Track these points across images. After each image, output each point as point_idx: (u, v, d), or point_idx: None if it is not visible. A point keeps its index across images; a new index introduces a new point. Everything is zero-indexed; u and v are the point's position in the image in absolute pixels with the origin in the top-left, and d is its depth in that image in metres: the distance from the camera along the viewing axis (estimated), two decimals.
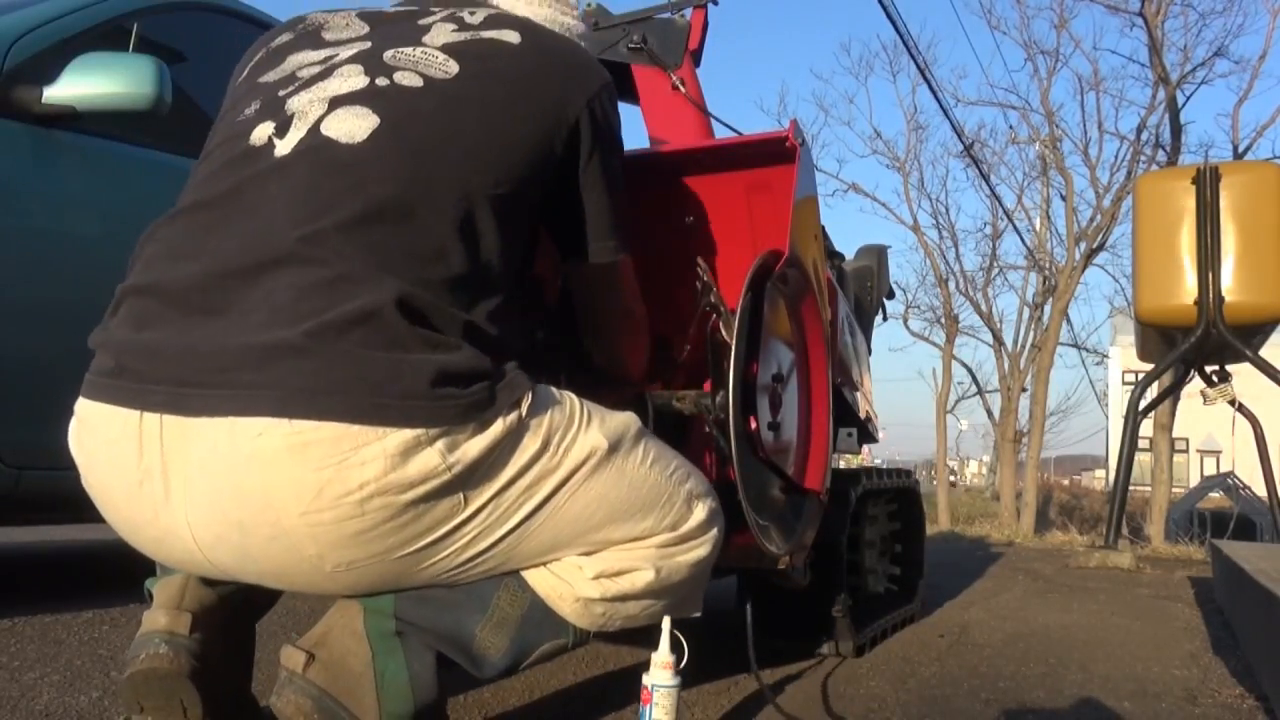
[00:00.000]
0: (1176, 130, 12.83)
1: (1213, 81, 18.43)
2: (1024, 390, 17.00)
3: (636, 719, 1.35)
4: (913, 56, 12.13)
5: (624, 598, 1.21)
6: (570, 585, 1.18)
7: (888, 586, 2.62)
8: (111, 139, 2.31)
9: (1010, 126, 20.74)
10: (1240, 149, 13.02)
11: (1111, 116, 32.01)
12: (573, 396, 1.20)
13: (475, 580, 1.15)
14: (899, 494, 2.63)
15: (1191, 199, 4.41)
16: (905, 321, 18.51)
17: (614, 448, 1.19)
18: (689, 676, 1.36)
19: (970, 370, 19.38)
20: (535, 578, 1.19)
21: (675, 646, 1.33)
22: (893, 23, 9.81)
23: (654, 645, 1.33)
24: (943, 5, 48.04)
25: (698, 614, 1.35)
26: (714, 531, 1.31)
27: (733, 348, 1.43)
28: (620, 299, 1.45)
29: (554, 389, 1.19)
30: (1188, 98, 13.41)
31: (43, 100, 2.13)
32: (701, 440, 1.70)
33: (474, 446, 1.05)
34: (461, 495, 1.07)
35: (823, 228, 1.97)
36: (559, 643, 1.21)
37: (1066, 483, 34.76)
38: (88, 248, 2.19)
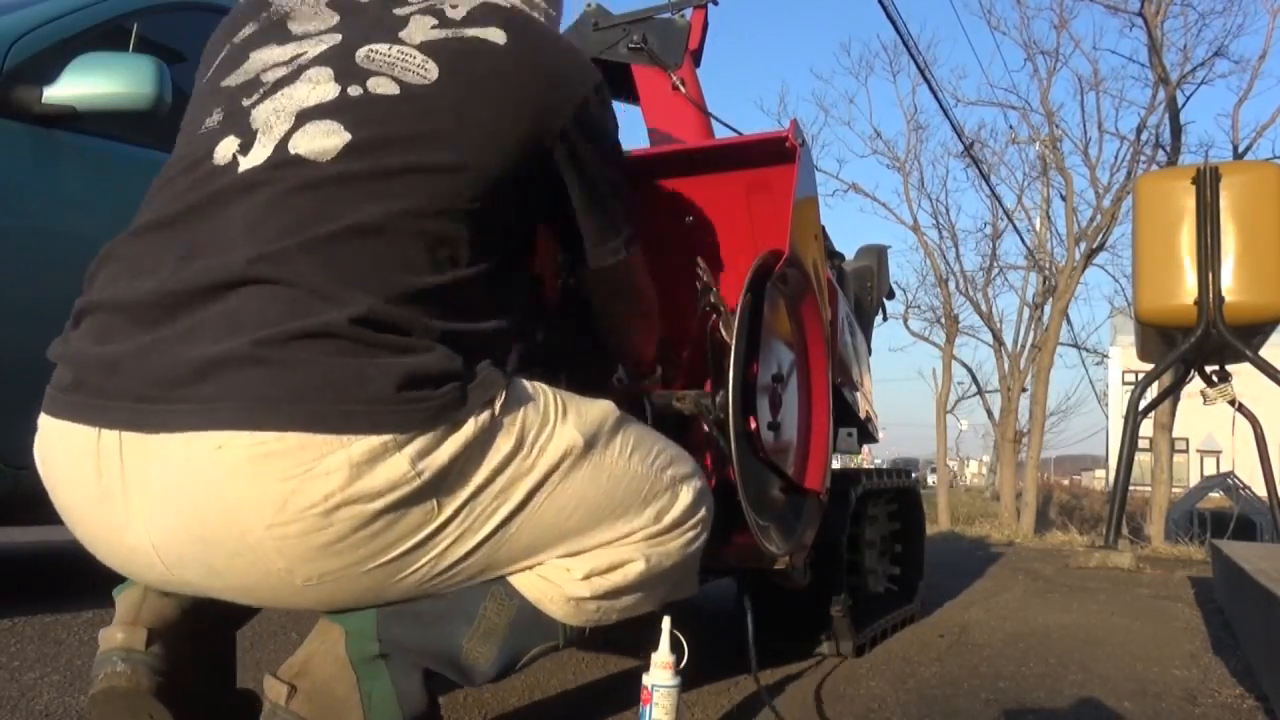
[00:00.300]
0: (1176, 130, 12.84)
1: (1213, 81, 18.47)
2: (1024, 390, 17.00)
3: (636, 719, 1.35)
4: (913, 56, 12.15)
5: (616, 592, 1.19)
6: (559, 586, 1.16)
7: (888, 586, 2.62)
8: (111, 139, 2.31)
9: (1010, 126, 20.81)
10: (1240, 149, 13.02)
11: (1111, 116, 32.06)
12: (547, 390, 1.17)
13: (458, 589, 1.12)
14: (899, 494, 2.63)
15: (1191, 199, 4.41)
16: (905, 321, 18.51)
17: (591, 443, 1.16)
18: (689, 677, 1.36)
19: (970, 370, 19.40)
20: (522, 582, 1.16)
21: (675, 646, 1.33)
22: (893, 23, 9.81)
23: (654, 645, 1.33)
24: (943, 5, 48.04)
25: (694, 593, 1.34)
26: (702, 512, 1.28)
27: (733, 348, 1.43)
28: (630, 299, 1.43)
29: (528, 383, 1.16)
30: (1188, 98, 13.44)
31: (43, 100, 2.13)
32: (702, 440, 1.70)
33: (445, 451, 1.02)
34: (434, 501, 1.03)
35: (823, 228, 1.97)
36: (550, 644, 1.19)
37: (1066, 483, 34.74)
38: (88, 248, 2.17)
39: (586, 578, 1.17)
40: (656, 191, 1.77)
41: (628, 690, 1.65)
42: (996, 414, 18.05)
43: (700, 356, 1.64)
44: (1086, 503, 24.68)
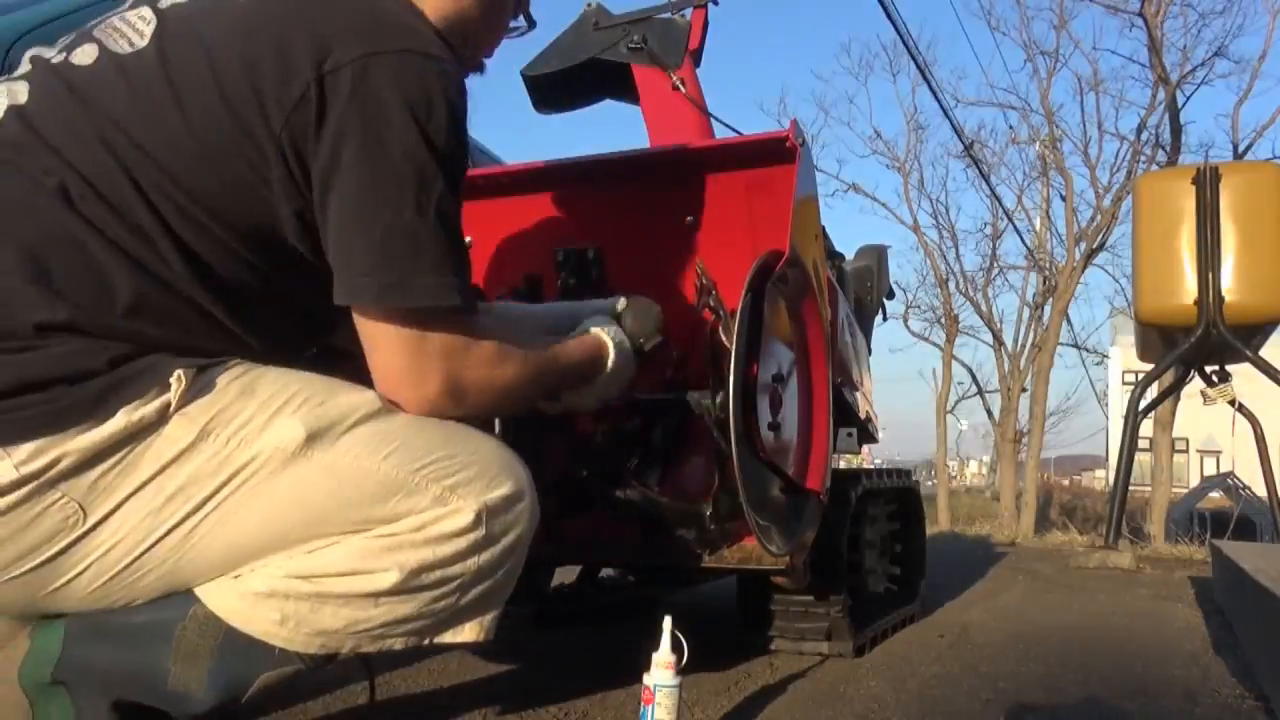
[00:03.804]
0: (1176, 130, 12.85)
1: (1213, 81, 18.39)
2: (1024, 390, 17.01)
3: (637, 719, 1.35)
4: (913, 57, 12.11)
5: (355, 607, 1.05)
6: (263, 601, 1.03)
7: (888, 586, 2.62)
8: None
9: (1010, 127, 20.72)
10: (1240, 149, 13.05)
11: (1111, 116, 31.87)
12: (271, 375, 1.05)
13: (149, 600, 1.03)
14: (899, 494, 2.63)
15: (1191, 199, 4.41)
16: (905, 321, 18.54)
17: (316, 437, 1.02)
18: (689, 677, 1.36)
19: (970, 370, 19.40)
20: (216, 597, 1.03)
21: (676, 646, 1.33)
22: (893, 23, 9.79)
23: (655, 645, 1.33)
24: (943, 6, 48.03)
25: (479, 640, 1.16)
26: (480, 532, 1.09)
27: (733, 350, 1.43)
28: (385, 366, 1.09)
29: (239, 369, 1.04)
30: (1188, 98, 13.45)
31: None
32: (702, 440, 1.70)
33: (73, 450, 0.95)
34: (72, 503, 0.96)
35: (823, 228, 1.97)
36: (286, 670, 1.05)
37: (1066, 483, 34.73)
38: None
39: (308, 583, 1.03)
40: (657, 191, 1.77)
41: (628, 690, 1.65)
42: (996, 414, 18.07)
43: (702, 357, 1.63)
44: (1087, 503, 24.68)
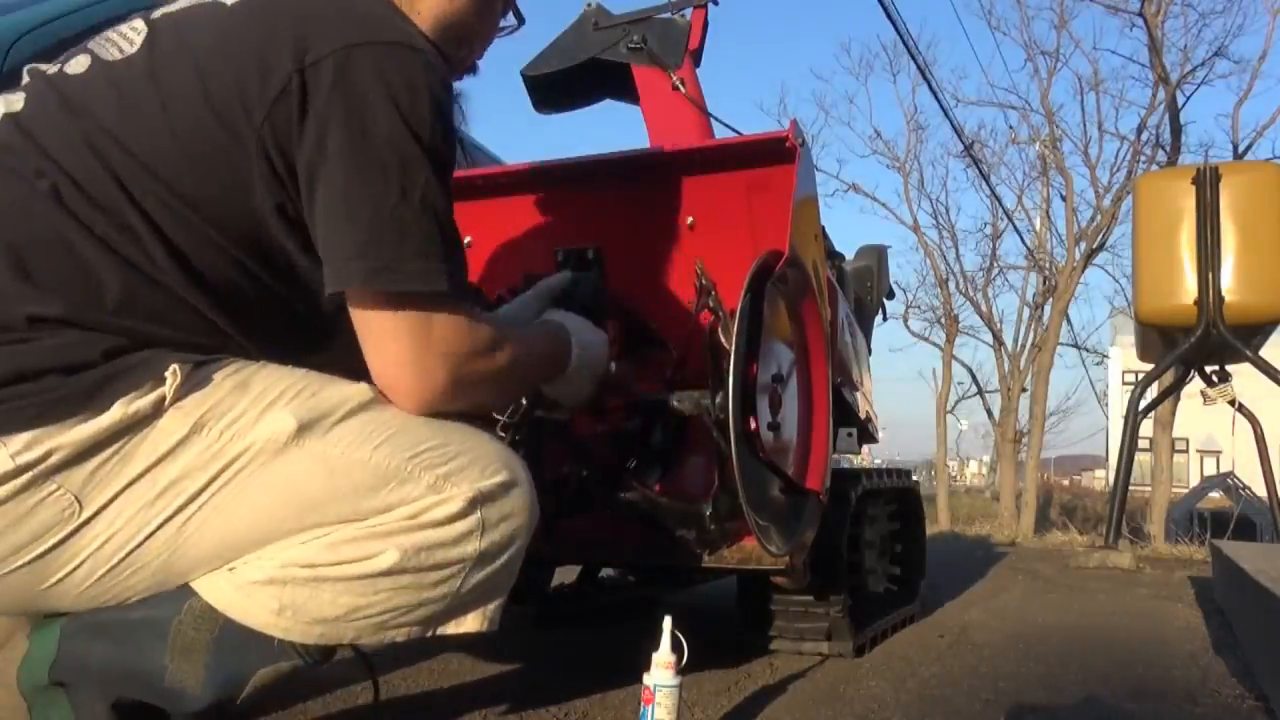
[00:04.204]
0: (1176, 130, 12.87)
1: (1213, 81, 18.36)
2: (1024, 390, 17.02)
3: (637, 719, 1.35)
4: (913, 57, 12.11)
5: (355, 590, 1.04)
6: (258, 592, 1.02)
7: (888, 586, 2.62)
8: None
9: (1010, 126, 20.74)
10: (1240, 149, 13.07)
11: (1111, 116, 31.84)
12: (265, 371, 1.06)
13: (143, 597, 1.02)
14: (899, 494, 2.63)
15: (1191, 199, 4.41)
16: (905, 321, 18.56)
17: (308, 427, 1.03)
18: (689, 676, 1.36)
19: (970, 370, 19.41)
20: (213, 590, 1.02)
21: (676, 646, 1.33)
22: (893, 23, 9.78)
23: (655, 645, 1.33)
24: (943, 5, 48.03)
25: (482, 630, 1.14)
26: (476, 516, 1.08)
27: (732, 350, 1.43)
28: (381, 356, 1.08)
29: (235, 364, 1.05)
30: (1188, 98, 13.46)
31: None
32: (702, 440, 1.70)
33: (67, 441, 0.95)
34: (68, 496, 0.96)
35: (823, 228, 1.97)
36: (282, 667, 1.04)
37: (1066, 483, 34.74)
38: None
39: (305, 569, 1.02)
40: (656, 191, 1.77)
41: (628, 690, 1.65)
42: (996, 414, 18.08)
43: (701, 357, 1.64)
44: (1087, 503, 24.68)
